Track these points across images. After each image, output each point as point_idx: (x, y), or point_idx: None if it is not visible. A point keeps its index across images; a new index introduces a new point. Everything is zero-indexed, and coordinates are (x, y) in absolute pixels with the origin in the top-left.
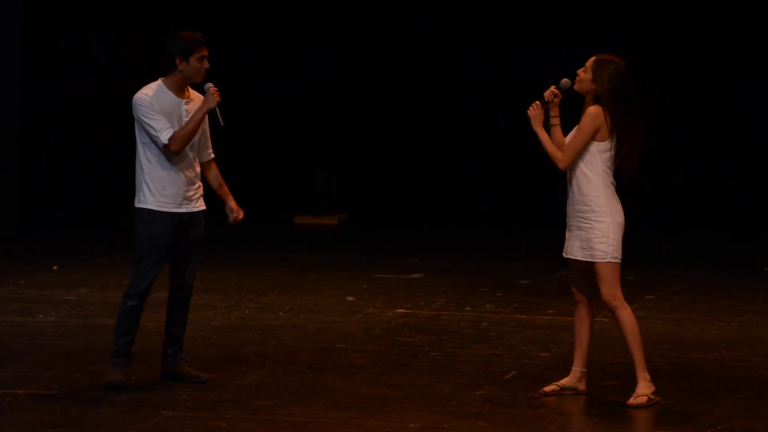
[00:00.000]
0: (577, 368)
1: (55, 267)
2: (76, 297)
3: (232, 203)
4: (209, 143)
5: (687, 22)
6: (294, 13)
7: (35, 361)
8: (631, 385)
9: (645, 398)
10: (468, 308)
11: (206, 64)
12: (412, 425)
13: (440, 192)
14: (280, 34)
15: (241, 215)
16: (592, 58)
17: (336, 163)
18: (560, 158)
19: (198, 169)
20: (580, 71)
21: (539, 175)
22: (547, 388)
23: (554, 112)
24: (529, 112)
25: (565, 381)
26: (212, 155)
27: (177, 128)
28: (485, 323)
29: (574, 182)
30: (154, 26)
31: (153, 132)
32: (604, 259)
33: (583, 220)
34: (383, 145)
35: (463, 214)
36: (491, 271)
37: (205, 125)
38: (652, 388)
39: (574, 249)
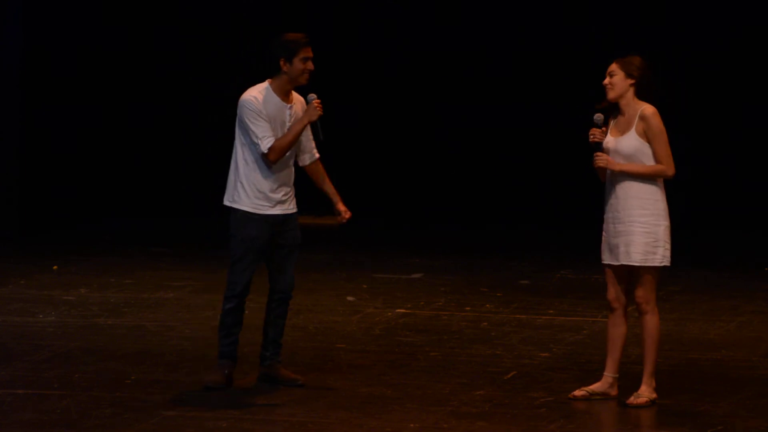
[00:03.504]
0: (610, 374)
1: (55, 267)
2: (76, 297)
3: (339, 206)
4: (311, 145)
5: (685, 21)
6: (293, 13)
7: (35, 361)
8: (632, 385)
9: (645, 399)
10: (468, 308)
11: (310, 66)
12: (412, 425)
13: (440, 192)
14: (278, 34)
15: (348, 215)
16: (613, 63)
17: (336, 162)
18: (665, 168)
19: (292, 172)
20: (606, 81)
21: (540, 175)
22: (578, 393)
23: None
24: (600, 164)
25: (595, 387)
26: (313, 158)
27: (279, 134)
28: (485, 323)
29: (625, 185)
30: (155, 25)
31: (255, 138)
32: (661, 263)
33: (638, 224)
34: (383, 145)
35: (463, 214)
36: (491, 271)
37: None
38: (654, 396)
39: (622, 255)
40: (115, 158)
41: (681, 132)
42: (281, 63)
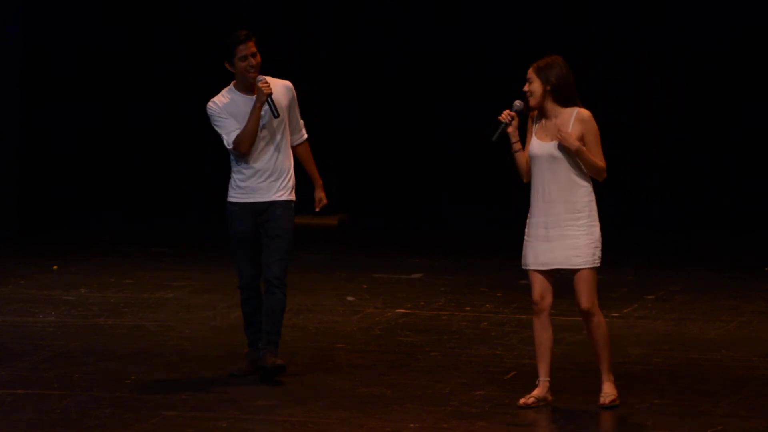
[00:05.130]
0: (546, 378)
1: (55, 267)
2: (76, 297)
3: (317, 192)
4: (296, 128)
5: (685, 21)
6: (293, 13)
7: (35, 361)
8: (631, 385)
9: (614, 397)
10: (468, 308)
11: (251, 62)
12: (412, 425)
13: (441, 192)
14: (278, 34)
15: (321, 204)
16: (530, 68)
17: (336, 163)
18: (604, 168)
19: (280, 160)
20: (525, 88)
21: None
22: (529, 401)
23: (515, 137)
24: (561, 138)
25: (538, 393)
26: (300, 139)
27: None
28: (485, 323)
29: (557, 189)
30: (155, 25)
31: (221, 138)
32: (597, 264)
33: (575, 227)
34: (383, 145)
35: (464, 214)
36: (491, 271)
37: (287, 111)
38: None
39: (559, 258)
40: (115, 158)
41: (680, 131)
42: (226, 65)
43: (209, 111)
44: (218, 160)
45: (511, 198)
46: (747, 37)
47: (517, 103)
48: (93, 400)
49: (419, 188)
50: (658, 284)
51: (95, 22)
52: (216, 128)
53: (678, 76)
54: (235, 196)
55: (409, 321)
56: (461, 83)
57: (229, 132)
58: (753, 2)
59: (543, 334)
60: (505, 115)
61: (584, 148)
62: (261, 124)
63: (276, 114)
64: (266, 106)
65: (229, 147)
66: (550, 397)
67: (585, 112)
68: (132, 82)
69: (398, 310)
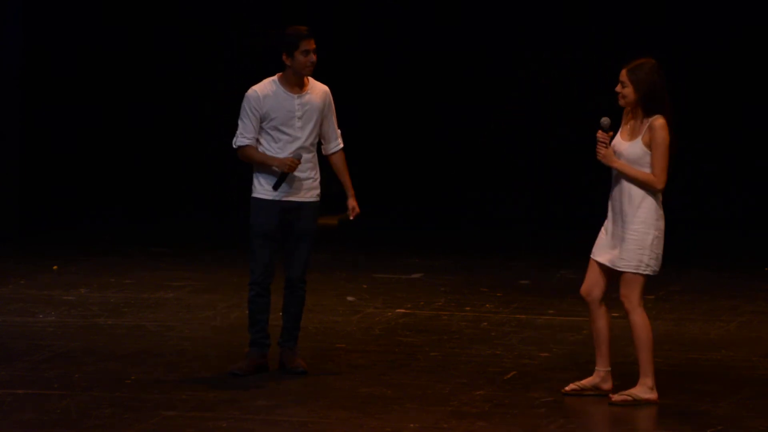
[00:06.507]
0: (600, 368)
1: (55, 267)
2: (76, 297)
3: (349, 201)
4: (333, 135)
5: (685, 21)
6: (293, 13)
7: (35, 361)
8: (631, 385)
9: (625, 398)
10: (468, 308)
11: (312, 58)
12: (412, 425)
13: (440, 191)
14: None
15: (354, 213)
16: (623, 70)
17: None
18: (655, 180)
19: (309, 160)
20: (618, 89)
21: (539, 176)
22: (569, 388)
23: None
24: (600, 156)
25: (587, 381)
26: (336, 148)
27: (284, 121)
28: (485, 323)
29: (625, 189)
30: (155, 25)
31: (237, 130)
32: (644, 271)
33: (630, 230)
34: (383, 145)
35: (463, 214)
36: (491, 271)
37: (320, 116)
38: (648, 396)
39: (611, 258)
40: (115, 158)
41: (680, 132)
42: (284, 57)
43: (246, 99)
44: (218, 160)
45: (512, 198)
46: (747, 37)
47: (604, 121)
48: (93, 400)
49: (419, 188)
50: (658, 284)
51: (95, 22)
52: (240, 117)
53: (678, 76)
54: (263, 192)
55: (409, 321)
56: (461, 83)
57: (243, 134)
58: (753, 2)
59: (596, 323)
60: (603, 139)
61: (625, 165)
62: (285, 124)
63: (275, 188)
64: (277, 175)
65: (234, 146)
66: (605, 386)
67: (657, 122)
68: (132, 82)
69: (398, 310)
